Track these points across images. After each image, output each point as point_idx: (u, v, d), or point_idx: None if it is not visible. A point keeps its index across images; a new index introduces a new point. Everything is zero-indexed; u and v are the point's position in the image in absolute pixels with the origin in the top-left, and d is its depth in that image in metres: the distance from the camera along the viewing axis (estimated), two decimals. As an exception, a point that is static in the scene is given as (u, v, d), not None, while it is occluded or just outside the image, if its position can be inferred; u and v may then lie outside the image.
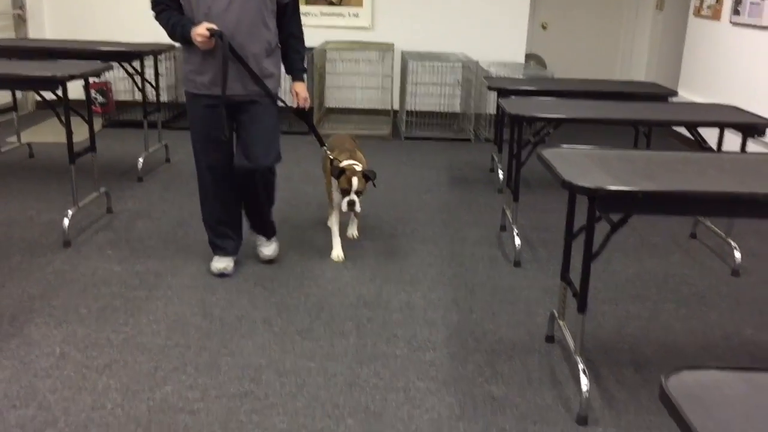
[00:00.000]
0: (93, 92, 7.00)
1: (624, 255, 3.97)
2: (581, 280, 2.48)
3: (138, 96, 7.00)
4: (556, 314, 2.90)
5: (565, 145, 2.82)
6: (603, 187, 2.27)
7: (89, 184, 4.40)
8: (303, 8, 7.03)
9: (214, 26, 3.05)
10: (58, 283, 3.35)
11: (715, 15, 6.23)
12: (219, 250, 3.53)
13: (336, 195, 3.64)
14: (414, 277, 3.58)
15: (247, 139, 3.33)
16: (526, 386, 2.65)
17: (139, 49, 5.00)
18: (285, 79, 3.57)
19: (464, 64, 6.98)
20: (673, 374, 1.39)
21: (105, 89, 7.16)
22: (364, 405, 2.49)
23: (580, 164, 2.55)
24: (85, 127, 4.10)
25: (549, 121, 3.70)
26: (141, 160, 5.08)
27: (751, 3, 5.55)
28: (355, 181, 3.50)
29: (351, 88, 7.38)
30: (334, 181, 3.60)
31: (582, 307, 2.51)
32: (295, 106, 3.47)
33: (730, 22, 5.94)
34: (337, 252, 3.73)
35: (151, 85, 5.46)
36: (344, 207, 3.54)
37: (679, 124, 3.74)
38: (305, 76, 3.50)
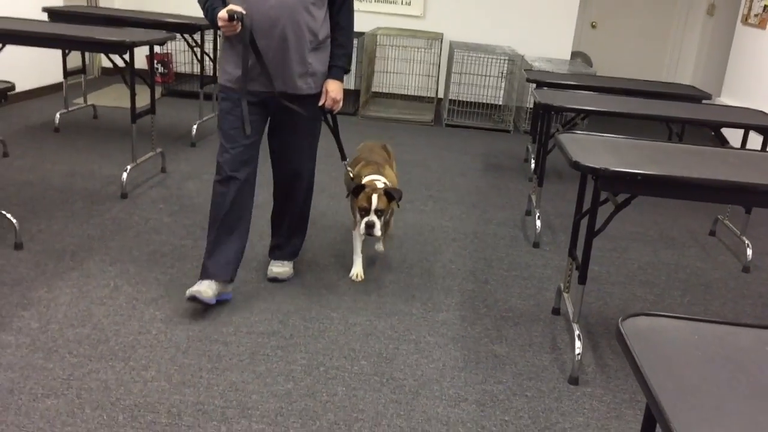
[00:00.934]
0: (156, 62, 7.42)
1: (642, 245, 4.16)
2: (583, 253, 2.71)
3: (196, 68, 7.40)
4: (562, 287, 3.13)
5: (580, 132, 3.04)
6: (607, 168, 2.49)
7: (147, 144, 4.77)
8: (358, -6, 7.31)
9: (236, 7, 2.72)
10: (115, 228, 3.71)
11: (762, 23, 6.30)
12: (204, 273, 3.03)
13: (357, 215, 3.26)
14: (437, 248, 3.84)
15: (281, 145, 3.09)
16: (527, 349, 2.89)
17: (201, 23, 5.35)
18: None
19: (510, 57, 7.17)
20: (630, 318, 1.63)
21: (166, 60, 7.56)
22: (378, 351, 2.77)
23: (592, 149, 2.77)
24: (147, 95, 4.46)
25: (576, 111, 3.91)
26: (195, 127, 5.45)
27: (796, 13, 5.62)
28: (375, 199, 3.11)
29: (398, 74, 7.64)
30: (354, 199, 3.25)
31: (582, 279, 2.74)
32: (320, 103, 3.02)
33: (775, 30, 6.01)
34: (357, 270, 3.38)
35: (210, 57, 5.81)
36: (362, 229, 3.17)
37: (703, 123, 3.90)
38: (344, 75, 3.06)
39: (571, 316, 2.87)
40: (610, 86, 4.86)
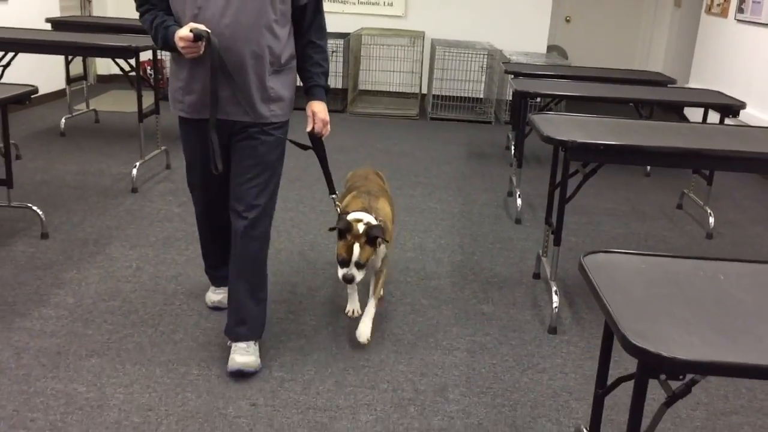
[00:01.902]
0: (148, 68, 7.72)
1: (614, 219, 4.53)
2: (557, 218, 3.07)
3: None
4: (541, 252, 3.48)
5: (552, 113, 3.40)
6: (574, 140, 2.85)
7: (152, 143, 5.08)
8: (342, -4, 7.65)
9: (200, 26, 2.32)
10: (130, 219, 4.02)
11: (723, 12, 6.71)
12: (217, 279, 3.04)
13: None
14: (428, 227, 4.18)
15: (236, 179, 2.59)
16: (511, 307, 3.24)
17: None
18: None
19: (489, 52, 7.54)
20: (590, 254, 1.98)
21: (159, 66, 7.86)
22: (377, 312, 3.10)
23: (563, 126, 3.13)
24: (148, 97, 4.77)
25: (550, 96, 4.27)
26: (194, 126, 5.76)
27: (754, 1, 6.03)
28: (356, 250, 2.61)
29: (383, 71, 7.99)
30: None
31: (557, 241, 3.09)
32: (309, 128, 2.64)
33: (736, 19, 6.41)
34: (353, 306, 3.09)
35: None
36: (341, 279, 2.70)
37: (667, 103, 4.27)
38: (326, 95, 2.65)
39: (549, 275, 3.22)
40: (581, 75, 5.23)
